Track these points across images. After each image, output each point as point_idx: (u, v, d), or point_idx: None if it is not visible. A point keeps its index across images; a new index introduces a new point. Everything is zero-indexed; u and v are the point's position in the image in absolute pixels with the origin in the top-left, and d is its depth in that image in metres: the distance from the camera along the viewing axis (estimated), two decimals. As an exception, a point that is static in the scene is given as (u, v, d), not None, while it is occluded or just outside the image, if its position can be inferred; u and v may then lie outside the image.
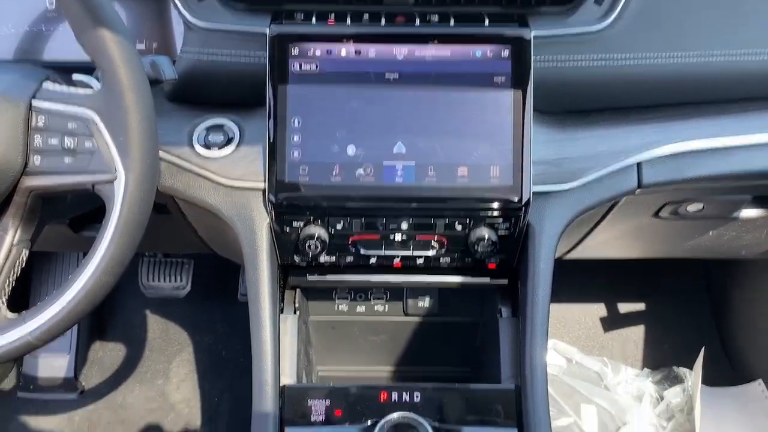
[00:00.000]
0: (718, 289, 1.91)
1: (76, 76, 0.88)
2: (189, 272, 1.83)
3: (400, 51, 0.95)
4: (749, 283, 1.76)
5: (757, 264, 1.70)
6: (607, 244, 1.28)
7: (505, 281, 1.11)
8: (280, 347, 1.05)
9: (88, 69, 0.87)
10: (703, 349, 1.76)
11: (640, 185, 1.00)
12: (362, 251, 1.02)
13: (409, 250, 1.02)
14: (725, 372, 1.82)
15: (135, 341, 1.88)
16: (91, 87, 0.85)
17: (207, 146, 0.97)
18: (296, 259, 1.04)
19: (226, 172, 0.97)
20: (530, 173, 0.95)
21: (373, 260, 1.03)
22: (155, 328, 1.90)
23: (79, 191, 0.85)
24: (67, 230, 1.16)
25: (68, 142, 0.82)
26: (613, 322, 1.93)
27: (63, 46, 1.07)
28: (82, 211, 1.10)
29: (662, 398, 1.76)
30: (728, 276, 1.86)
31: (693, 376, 1.75)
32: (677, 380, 1.78)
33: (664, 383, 1.79)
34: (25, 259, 0.88)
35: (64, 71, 0.92)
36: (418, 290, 1.24)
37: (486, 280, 1.11)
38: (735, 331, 1.84)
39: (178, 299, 1.89)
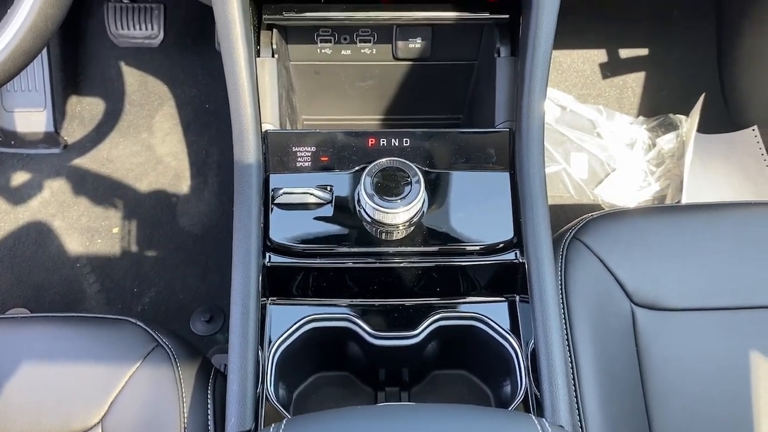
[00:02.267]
0: (727, 26, 1.79)
1: None
2: (160, 19, 1.73)
3: None
4: (762, 14, 1.65)
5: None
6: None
7: (506, 16, 1.00)
8: (260, 91, 0.97)
9: None
10: (703, 95, 1.71)
11: None
12: None
13: None
14: (721, 122, 1.78)
15: (113, 95, 1.81)
16: None
17: None
18: None
19: None
20: None
21: None
22: (132, 80, 1.82)
23: None
24: None
25: None
26: (613, 68, 1.84)
27: None
28: None
29: (655, 145, 1.74)
30: (741, 13, 1.73)
31: (689, 121, 1.72)
32: (672, 127, 1.76)
33: (658, 130, 1.76)
34: None
35: None
36: (409, 31, 1.13)
37: (486, 14, 1.00)
38: (738, 75, 1.77)
39: (152, 49, 1.80)
